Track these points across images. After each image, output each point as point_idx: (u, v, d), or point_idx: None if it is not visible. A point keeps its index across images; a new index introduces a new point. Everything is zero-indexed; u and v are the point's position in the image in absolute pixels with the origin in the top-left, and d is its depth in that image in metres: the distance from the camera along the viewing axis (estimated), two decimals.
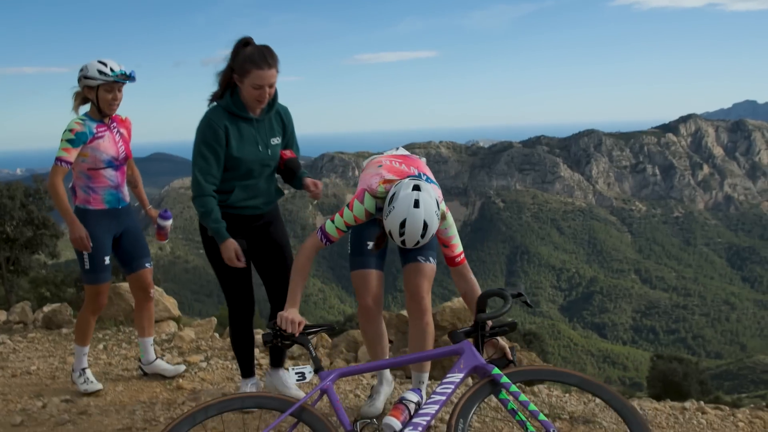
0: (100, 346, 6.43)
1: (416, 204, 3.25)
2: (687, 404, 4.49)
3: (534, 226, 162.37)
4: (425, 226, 3.27)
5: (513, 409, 3.14)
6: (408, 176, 3.61)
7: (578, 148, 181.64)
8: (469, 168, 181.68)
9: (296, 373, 3.36)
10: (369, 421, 3.54)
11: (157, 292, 7.48)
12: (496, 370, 3.27)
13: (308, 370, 3.37)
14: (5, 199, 19.84)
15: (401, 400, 3.80)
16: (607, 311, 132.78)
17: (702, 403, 4.56)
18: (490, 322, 3.37)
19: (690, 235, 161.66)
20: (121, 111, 4.89)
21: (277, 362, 4.82)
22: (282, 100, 4.30)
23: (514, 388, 3.36)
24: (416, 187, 3.31)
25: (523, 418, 3.07)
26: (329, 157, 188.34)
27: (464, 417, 3.30)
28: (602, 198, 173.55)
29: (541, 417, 2.99)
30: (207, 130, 4.06)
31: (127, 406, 4.84)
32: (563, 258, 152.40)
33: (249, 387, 4.65)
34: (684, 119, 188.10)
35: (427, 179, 3.66)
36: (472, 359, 3.49)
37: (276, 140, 4.30)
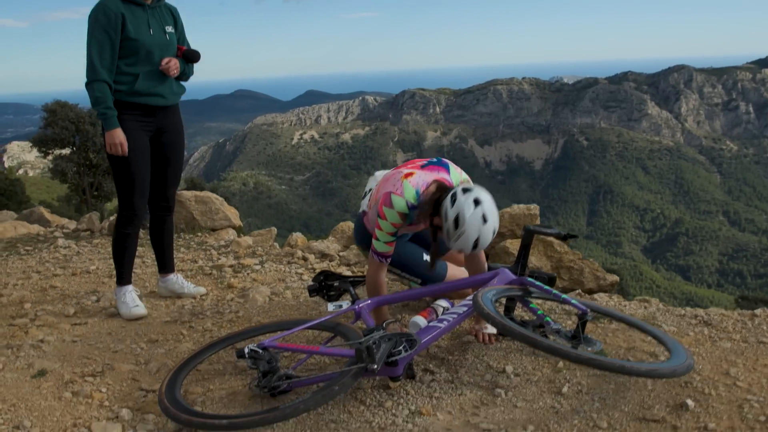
0: None
1: (485, 219, 3.25)
2: (758, 311, 4.19)
3: (618, 165, 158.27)
4: (494, 232, 3.33)
5: (542, 314, 3.42)
6: (436, 173, 3.58)
7: (667, 84, 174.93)
8: (553, 105, 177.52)
9: (335, 305, 3.65)
10: (394, 319, 3.54)
11: (218, 200, 7.50)
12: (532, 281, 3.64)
13: (347, 303, 3.67)
14: (87, 125, 20.31)
15: (431, 305, 3.76)
16: (692, 253, 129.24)
17: None
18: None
19: None
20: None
21: (165, 267, 4.89)
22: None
23: (533, 305, 3.42)
24: (476, 201, 3.25)
25: (550, 320, 3.35)
26: (410, 94, 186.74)
27: (494, 293, 3.32)
28: (691, 137, 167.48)
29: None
30: (101, 16, 4.06)
31: (178, 302, 4.85)
32: (648, 198, 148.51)
33: (124, 295, 4.58)
34: None
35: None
36: (508, 277, 3.73)
37: (170, 28, 4.33)
